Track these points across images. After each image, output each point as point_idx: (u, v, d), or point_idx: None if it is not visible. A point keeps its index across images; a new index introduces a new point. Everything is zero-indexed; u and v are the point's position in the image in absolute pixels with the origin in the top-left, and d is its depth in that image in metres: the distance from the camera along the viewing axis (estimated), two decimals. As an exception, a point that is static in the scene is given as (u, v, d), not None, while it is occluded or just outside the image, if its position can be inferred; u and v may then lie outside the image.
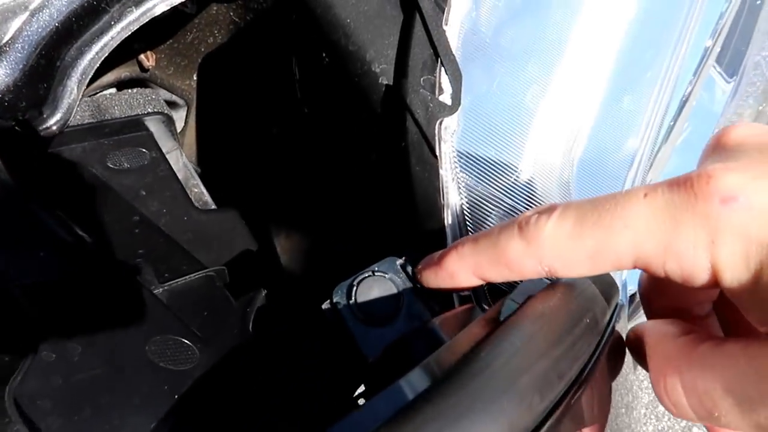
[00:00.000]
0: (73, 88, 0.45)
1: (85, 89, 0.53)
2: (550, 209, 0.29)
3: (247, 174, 0.85)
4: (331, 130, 0.63)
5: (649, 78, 0.54)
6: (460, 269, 0.34)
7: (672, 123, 0.57)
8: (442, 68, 0.45)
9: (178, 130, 0.79)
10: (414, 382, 0.26)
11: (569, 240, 0.28)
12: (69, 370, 0.32)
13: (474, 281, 0.34)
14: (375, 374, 0.37)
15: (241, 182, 0.85)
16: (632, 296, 0.58)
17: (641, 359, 0.33)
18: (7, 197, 0.38)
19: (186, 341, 0.37)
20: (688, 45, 0.57)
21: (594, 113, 0.51)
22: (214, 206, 0.68)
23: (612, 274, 0.53)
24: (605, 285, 0.40)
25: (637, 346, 0.34)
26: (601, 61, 0.51)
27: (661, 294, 0.35)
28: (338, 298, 0.40)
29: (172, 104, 0.76)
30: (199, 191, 0.69)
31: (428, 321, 0.35)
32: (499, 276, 0.33)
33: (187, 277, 0.42)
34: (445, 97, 0.45)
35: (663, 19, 0.56)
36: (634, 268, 0.28)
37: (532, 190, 0.47)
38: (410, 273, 0.41)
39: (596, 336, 0.34)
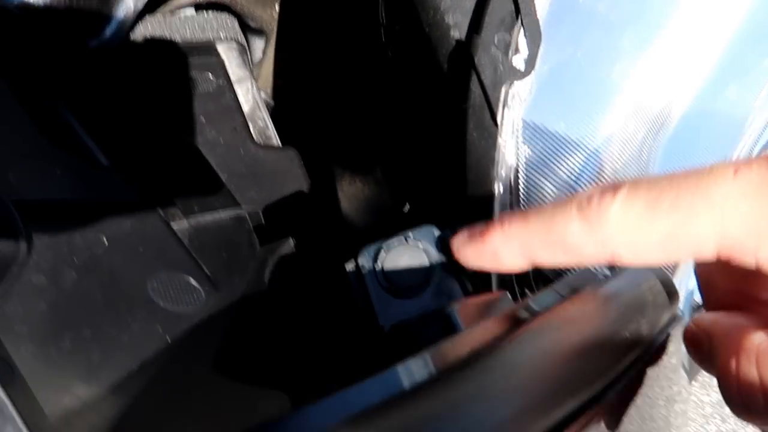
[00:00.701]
0: (129, 2, 0.43)
1: (148, 6, 0.51)
2: (616, 187, 0.25)
3: (320, 112, 0.83)
4: (413, 79, 0.59)
5: (764, 67, 0.47)
6: (506, 248, 0.30)
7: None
8: (522, 27, 0.41)
9: (256, 60, 0.77)
10: (413, 371, 0.23)
11: (640, 222, 0.24)
12: (57, 297, 0.30)
13: (521, 263, 0.30)
14: (383, 348, 0.34)
15: (314, 120, 0.83)
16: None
17: (702, 356, 0.29)
18: (41, 104, 0.37)
19: (193, 282, 0.35)
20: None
21: (691, 98, 0.45)
22: (277, 142, 0.67)
23: (678, 280, 0.48)
24: (665, 290, 0.35)
25: (698, 341, 0.29)
26: (709, 41, 0.45)
27: (725, 276, 0.30)
28: (363, 260, 0.37)
29: (253, 30, 0.74)
30: (263, 125, 0.67)
31: (448, 305, 0.32)
32: (552, 260, 0.29)
33: (215, 212, 0.40)
34: (519, 60, 0.40)
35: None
36: (716, 257, 0.24)
37: (600, 173, 0.42)
38: (448, 246, 0.38)
39: (634, 353, 0.30)
